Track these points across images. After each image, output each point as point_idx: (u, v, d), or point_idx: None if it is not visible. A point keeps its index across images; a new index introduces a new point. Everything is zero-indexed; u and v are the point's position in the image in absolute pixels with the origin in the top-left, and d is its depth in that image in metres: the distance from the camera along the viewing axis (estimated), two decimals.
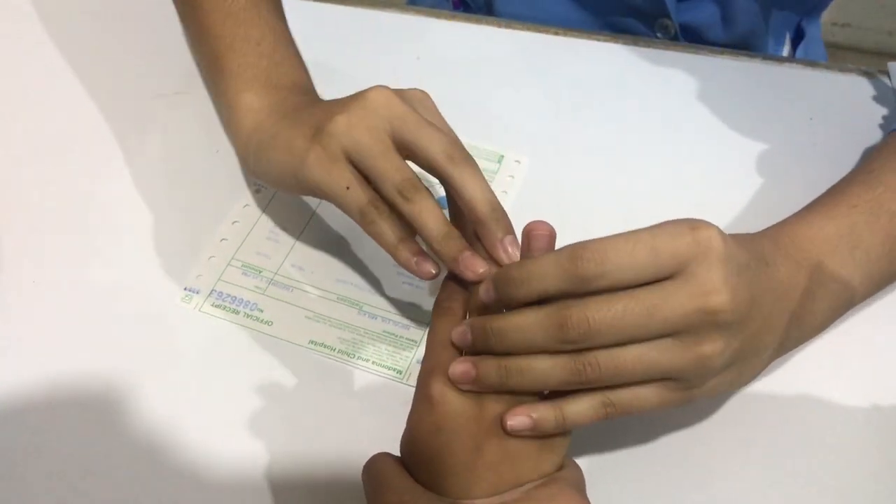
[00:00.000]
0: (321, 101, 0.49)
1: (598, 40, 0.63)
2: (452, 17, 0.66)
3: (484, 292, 0.37)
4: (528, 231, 0.38)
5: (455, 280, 0.41)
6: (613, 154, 0.56)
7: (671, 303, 0.34)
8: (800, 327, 0.41)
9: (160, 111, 0.59)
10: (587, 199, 0.54)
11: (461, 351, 0.38)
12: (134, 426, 0.44)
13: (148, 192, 0.54)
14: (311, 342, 0.48)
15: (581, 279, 0.34)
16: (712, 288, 0.34)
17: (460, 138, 0.43)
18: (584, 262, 0.34)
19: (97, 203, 0.54)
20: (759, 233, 0.42)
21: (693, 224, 0.35)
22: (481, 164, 0.54)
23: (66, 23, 0.64)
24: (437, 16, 0.66)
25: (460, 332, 0.37)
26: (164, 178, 0.55)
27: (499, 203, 0.40)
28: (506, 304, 0.37)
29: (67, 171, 0.55)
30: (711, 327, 0.34)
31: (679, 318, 0.34)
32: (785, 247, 0.41)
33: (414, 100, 0.43)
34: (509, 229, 0.39)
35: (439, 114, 0.44)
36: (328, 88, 0.51)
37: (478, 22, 0.65)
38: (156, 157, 0.56)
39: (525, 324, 0.35)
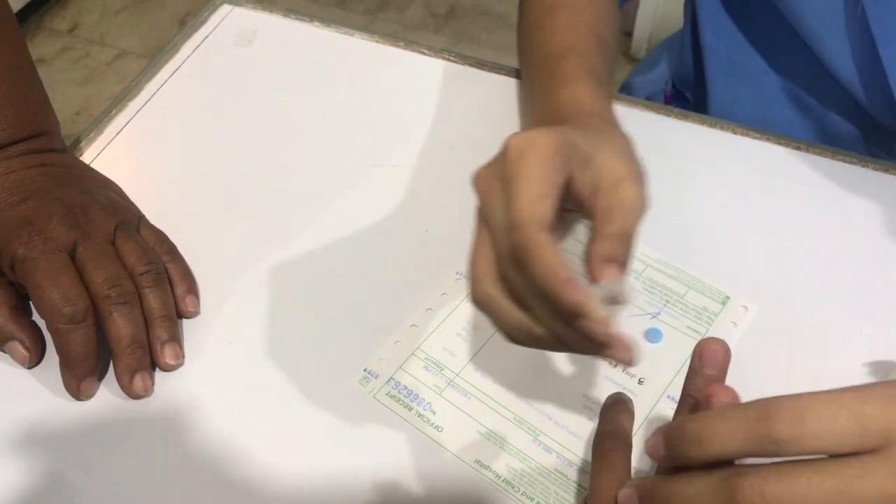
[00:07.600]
0: None
1: (846, 161, 0.56)
2: (681, 116, 0.60)
3: (652, 449, 0.34)
4: (700, 350, 0.36)
5: (615, 409, 0.40)
6: (872, 314, 0.48)
7: (868, 483, 0.28)
8: None
9: (376, 180, 0.58)
10: (824, 367, 0.46)
11: None
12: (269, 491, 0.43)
13: (348, 257, 0.54)
14: (478, 462, 0.44)
15: (770, 442, 0.29)
16: None
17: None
18: (777, 423, 0.29)
19: (293, 259, 0.54)
20: None
21: None
22: (701, 302, 0.49)
23: (312, 83, 0.66)
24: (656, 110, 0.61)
25: (626, 496, 0.35)
26: (367, 247, 0.54)
27: None
28: (675, 461, 0.33)
29: (277, 223, 0.56)
30: None
31: (875, 501, 0.28)
32: None
33: None
34: None
35: None
36: None
37: (702, 122, 0.60)
38: (362, 224, 0.55)
39: (693, 493, 0.31)
